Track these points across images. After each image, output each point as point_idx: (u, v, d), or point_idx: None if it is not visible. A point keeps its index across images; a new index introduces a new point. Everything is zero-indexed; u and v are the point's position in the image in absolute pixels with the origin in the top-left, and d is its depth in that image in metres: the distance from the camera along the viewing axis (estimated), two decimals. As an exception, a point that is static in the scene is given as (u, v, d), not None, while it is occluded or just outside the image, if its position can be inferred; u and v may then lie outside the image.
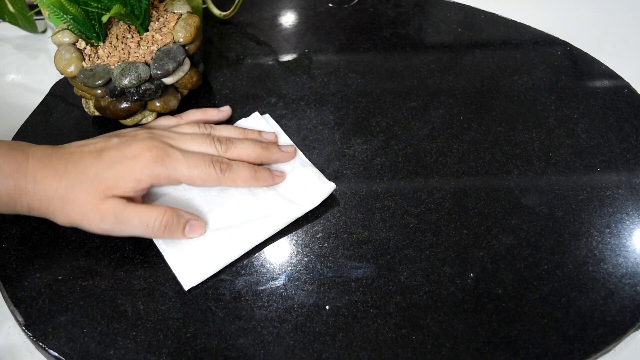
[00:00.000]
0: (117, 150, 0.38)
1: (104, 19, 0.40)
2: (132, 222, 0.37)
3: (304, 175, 0.43)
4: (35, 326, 0.36)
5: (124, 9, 0.42)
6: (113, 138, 0.39)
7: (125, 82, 0.42)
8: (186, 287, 0.37)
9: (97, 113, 0.47)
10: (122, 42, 0.45)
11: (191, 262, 0.38)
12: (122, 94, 0.44)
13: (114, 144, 0.39)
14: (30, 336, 0.36)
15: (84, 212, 0.36)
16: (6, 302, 0.37)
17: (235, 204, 0.41)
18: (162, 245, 0.39)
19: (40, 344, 0.35)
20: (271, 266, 0.39)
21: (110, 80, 0.43)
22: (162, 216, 0.37)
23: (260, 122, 0.47)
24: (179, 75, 0.45)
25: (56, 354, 0.35)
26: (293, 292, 0.37)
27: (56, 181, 0.36)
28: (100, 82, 0.43)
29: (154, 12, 0.47)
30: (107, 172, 0.37)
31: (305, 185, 0.42)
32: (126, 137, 0.40)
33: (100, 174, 0.37)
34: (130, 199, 0.38)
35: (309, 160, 0.45)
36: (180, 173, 0.38)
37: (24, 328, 0.36)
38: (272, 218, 0.40)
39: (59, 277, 0.38)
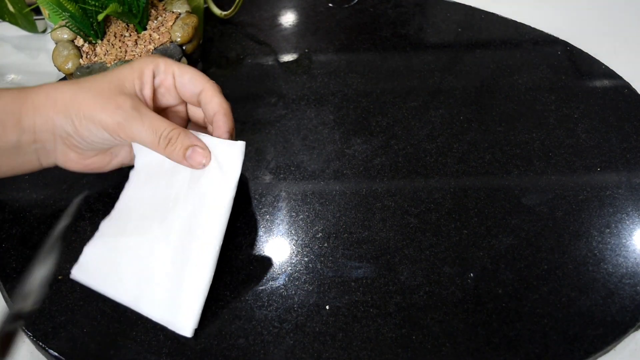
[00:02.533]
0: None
1: (100, 17, 0.40)
2: (144, 122, 0.35)
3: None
4: (35, 326, 0.36)
5: (121, 7, 0.42)
6: None
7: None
8: (190, 334, 0.35)
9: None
10: (119, 41, 0.45)
11: (180, 311, 0.35)
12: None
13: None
14: (30, 336, 0.36)
15: (99, 100, 0.35)
16: (6, 302, 0.37)
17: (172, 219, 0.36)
18: (146, 309, 0.36)
19: (40, 344, 0.35)
20: (271, 266, 0.39)
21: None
22: (172, 127, 0.35)
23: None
24: (179, 75, 0.45)
25: (56, 354, 0.35)
26: (293, 292, 0.37)
27: (64, 84, 0.36)
28: (98, 81, 0.43)
29: (152, 10, 0.47)
30: (119, 70, 0.36)
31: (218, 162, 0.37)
32: None
33: (113, 73, 0.36)
34: None
35: (308, 161, 0.45)
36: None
37: (24, 328, 0.36)
38: (213, 214, 0.36)
39: (59, 277, 0.38)
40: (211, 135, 0.37)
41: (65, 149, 0.37)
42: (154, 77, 0.37)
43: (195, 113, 0.40)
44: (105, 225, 0.38)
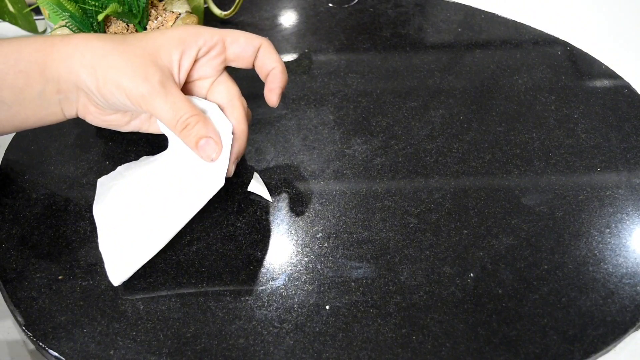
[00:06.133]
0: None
1: (100, 17, 0.40)
2: (168, 100, 0.35)
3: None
4: (35, 326, 0.36)
5: (121, 7, 0.42)
6: None
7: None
8: (115, 282, 0.36)
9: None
10: (121, 42, 0.45)
11: (121, 258, 0.37)
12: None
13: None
14: (30, 336, 0.36)
15: (129, 67, 0.34)
16: (6, 302, 0.37)
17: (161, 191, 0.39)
18: (102, 236, 0.38)
19: (40, 344, 0.35)
20: (271, 266, 0.39)
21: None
22: (193, 113, 0.35)
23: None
24: (179, 75, 0.45)
25: (56, 354, 0.35)
26: (293, 292, 0.37)
27: (96, 38, 0.35)
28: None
29: (152, 10, 0.47)
30: (157, 36, 0.36)
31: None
32: None
33: (149, 37, 0.36)
34: None
35: (308, 161, 0.45)
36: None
37: (23, 328, 0.36)
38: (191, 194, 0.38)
39: (59, 277, 0.38)
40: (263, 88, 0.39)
41: (86, 101, 0.37)
42: (197, 48, 0.37)
43: (216, 95, 0.40)
44: (99, 212, 0.40)
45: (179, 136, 0.36)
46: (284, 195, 0.43)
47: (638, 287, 0.37)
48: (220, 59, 0.38)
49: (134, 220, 0.38)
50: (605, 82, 0.52)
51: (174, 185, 0.38)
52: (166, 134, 0.40)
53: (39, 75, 0.35)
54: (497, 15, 0.58)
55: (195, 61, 0.38)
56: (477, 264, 0.39)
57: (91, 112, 0.38)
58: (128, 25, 0.46)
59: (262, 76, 0.40)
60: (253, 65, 0.40)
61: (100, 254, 0.38)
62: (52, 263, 0.39)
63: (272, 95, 0.39)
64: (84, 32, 0.44)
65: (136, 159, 0.44)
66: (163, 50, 0.36)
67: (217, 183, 0.37)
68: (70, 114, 0.38)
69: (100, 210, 0.40)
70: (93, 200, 0.41)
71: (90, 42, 0.35)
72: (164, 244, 0.37)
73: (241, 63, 0.39)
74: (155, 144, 0.46)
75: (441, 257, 0.39)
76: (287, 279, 0.38)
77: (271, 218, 0.42)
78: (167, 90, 0.35)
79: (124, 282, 0.37)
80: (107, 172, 0.42)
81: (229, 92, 0.39)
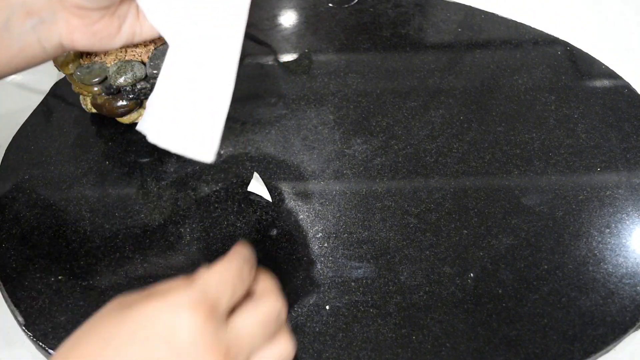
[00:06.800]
0: None
1: None
2: None
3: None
4: (35, 326, 0.36)
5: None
6: None
7: (121, 80, 0.42)
8: (211, 158, 0.32)
9: (94, 110, 0.47)
10: (121, 41, 0.45)
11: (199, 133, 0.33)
12: (118, 92, 0.44)
13: None
14: (30, 336, 0.36)
15: None
16: (6, 302, 0.37)
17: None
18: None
19: (40, 344, 0.35)
20: (271, 266, 0.39)
21: (106, 78, 0.43)
22: None
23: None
24: (179, 75, 0.45)
25: (56, 354, 0.35)
26: (293, 292, 0.37)
27: None
28: (96, 80, 0.43)
29: None
30: None
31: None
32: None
33: None
34: None
35: (308, 161, 0.45)
36: None
37: (24, 328, 0.36)
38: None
39: (59, 277, 0.38)
40: None
41: (66, 15, 0.32)
42: None
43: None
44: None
45: None
46: (284, 195, 0.43)
47: (638, 287, 0.37)
48: None
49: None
50: (605, 82, 0.52)
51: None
52: (159, 28, 0.35)
53: None
54: (497, 15, 0.58)
55: None
56: (477, 264, 0.39)
57: (77, 28, 0.32)
58: None
59: None
60: None
61: (100, 254, 0.38)
62: (52, 263, 0.39)
63: None
64: None
65: (136, 159, 0.45)
66: None
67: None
68: (50, 43, 0.32)
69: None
70: (93, 200, 0.41)
71: None
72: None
73: None
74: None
75: (441, 257, 0.39)
76: (287, 279, 0.38)
77: (271, 218, 0.42)
78: None
79: (124, 282, 0.37)
80: (107, 172, 0.42)
81: None
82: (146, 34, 0.37)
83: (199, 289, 0.24)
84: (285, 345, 0.27)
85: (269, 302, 0.27)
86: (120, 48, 0.44)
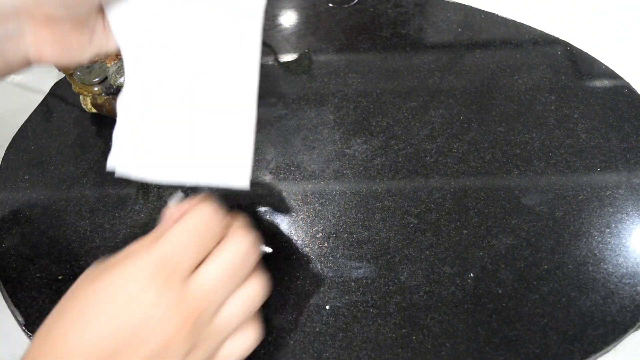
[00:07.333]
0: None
1: None
2: None
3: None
4: (35, 326, 0.36)
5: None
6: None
7: (121, 80, 0.42)
8: (247, 183, 0.28)
9: (94, 110, 0.47)
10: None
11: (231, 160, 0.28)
12: (118, 92, 0.44)
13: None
14: (30, 336, 0.36)
15: None
16: (6, 302, 0.37)
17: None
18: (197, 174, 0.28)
19: (40, 344, 0.35)
20: (271, 266, 0.39)
21: (106, 78, 0.43)
22: None
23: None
24: (179, 75, 0.45)
25: (56, 354, 0.35)
26: (293, 292, 0.37)
27: None
28: (96, 79, 0.43)
29: None
30: None
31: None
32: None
33: None
34: None
35: (308, 161, 0.45)
36: None
37: (24, 328, 0.36)
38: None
39: (59, 277, 0.38)
40: None
41: (35, 27, 0.28)
42: None
43: None
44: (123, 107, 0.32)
45: None
46: (284, 195, 0.43)
47: (638, 287, 0.37)
48: None
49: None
50: (605, 82, 0.52)
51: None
52: (122, 47, 0.31)
53: None
54: (497, 15, 0.58)
55: None
56: (477, 264, 0.39)
57: (46, 40, 0.29)
58: None
59: None
60: None
61: (100, 254, 0.38)
62: (52, 263, 0.39)
63: None
64: None
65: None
66: None
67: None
68: (15, 57, 0.29)
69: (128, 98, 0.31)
70: (93, 200, 0.41)
71: None
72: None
73: None
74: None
75: (441, 257, 0.39)
76: (287, 278, 0.38)
77: (271, 218, 0.42)
78: None
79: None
80: (107, 172, 0.42)
81: None
82: (112, 46, 0.33)
83: (158, 254, 0.24)
84: (257, 284, 0.28)
85: (232, 246, 0.27)
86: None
